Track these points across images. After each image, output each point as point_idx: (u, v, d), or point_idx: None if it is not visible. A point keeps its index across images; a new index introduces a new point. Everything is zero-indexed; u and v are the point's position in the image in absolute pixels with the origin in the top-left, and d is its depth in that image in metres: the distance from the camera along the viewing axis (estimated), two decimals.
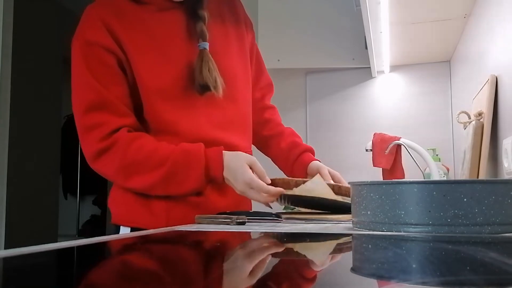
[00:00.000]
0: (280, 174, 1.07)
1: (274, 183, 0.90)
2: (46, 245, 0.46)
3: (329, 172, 0.99)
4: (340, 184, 0.87)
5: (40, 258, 0.41)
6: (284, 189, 0.88)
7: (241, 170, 0.81)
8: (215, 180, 0.84)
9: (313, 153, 1.08)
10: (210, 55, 0.88)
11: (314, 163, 1.02)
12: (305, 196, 0.82)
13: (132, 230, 0.86)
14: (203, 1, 0.91)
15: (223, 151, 0.83)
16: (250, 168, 0.82)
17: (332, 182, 0.88)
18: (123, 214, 0.89)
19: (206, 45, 0.88)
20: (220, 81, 0.87)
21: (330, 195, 0.82)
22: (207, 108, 0.88)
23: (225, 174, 0.82)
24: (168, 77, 0.85)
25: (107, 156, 0.80)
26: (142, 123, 0.87)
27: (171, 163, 0.81)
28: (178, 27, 0.89)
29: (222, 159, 0.82)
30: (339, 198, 0.82)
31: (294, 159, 1.05)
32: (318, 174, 0.91)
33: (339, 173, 1.00)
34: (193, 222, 0.82)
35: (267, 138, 1.10)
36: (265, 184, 0.81)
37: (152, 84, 0.84)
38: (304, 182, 0.85)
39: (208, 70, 0.85)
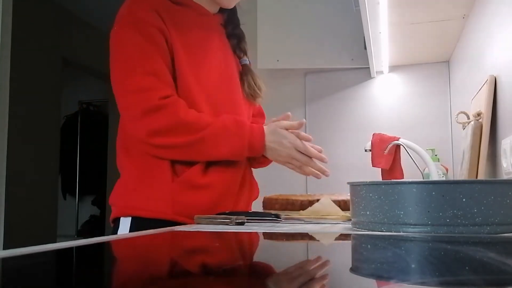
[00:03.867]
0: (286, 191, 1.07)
1: (277, 202, 0.92)
2: (45, 245, 0.46)
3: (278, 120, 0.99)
4: (345, 199, 0.88)
5: (39, 259, 0.41)
6: (289, 209, 0.90)
7: (284, 135, 0.90)
8: (256, 152, 0.90)
9: None
10: (252, 70, 1.05)
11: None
12: (313, 218, 0.82)
13: (133, 220, 0.86)
14: (237, 18, 1.06)
15: (264, 126, 0.91)
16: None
17: (338, 197, 0.89)
18: (126, 204, 0.88)
19: (247, 61, 1.06)
20: (259, 91, 1.03)
21: (338, 212, 0.83)
22: (226, 111, 0.94)
23: (270, 143, 0.90)
24: (202, 73, 0.92)
25: (164, 112, 0.83)
26: None
27: (222, 125, 0.87)
28: (214, 33, 0.98)
29: (263, 133, 0.90)
30: (347, 214, 0.82)
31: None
32: (325, 195, 0.92)
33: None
34: (199, 208, 0.83)
35: None
36: (308, 145, 0.92)
37: (188, 76, 0.90)
38: (309, 202, 0.87)
39: (254, 82, 1.03)
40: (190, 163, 0.88)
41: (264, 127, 0.91)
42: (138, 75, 0.84)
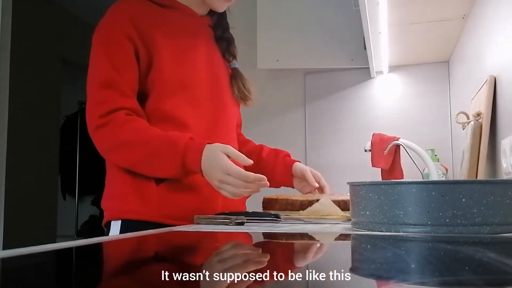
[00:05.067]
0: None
1: (277, 202, 0.92)
2: (45, 245, 0.46)
3: (311, 172, 1.04)
4: (345, 199, 0.87)
5: (39, 259, 0.41)
6: (289, 210, 0.89)
7: (216, 157, 0.79)
8: (192, 172, 0.83)
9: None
10: (241, 73, 1.04)
11: (298, 165, 1.07)
12: (313, 218, 0.82)
13: (123, 223, 0.86)
14: (226, 21, 1.05)
15: (207, 144, 0.82)
16: (227, 156, 0.80)
17: (338, 197, 0.89)
18: (116, 206, 0.89)
19: (236, 64, 1.05)
20: (249, 94, 1.02)
21: (337, 212, 0.83)
22: (212, 113, 0.95)
23: (204, 166, 0.80)
24: (187, 74, 0.92)
25: (102, 132, 0.85)
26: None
27: (154, 145, 0.84)
28: (201, 35, 0.98)
29: (201, 152, 0.80)
30: (347, 214, 0.81)
31: (276, 163, 1.09)
32: (325, 195, 0.92)
33: (319, 173, 1.05)
34: (186, 210, 0.83)
35: (249, 153, 1.10)
36: (243, 170, 0.78)
37: (173, 77, 0.90)
38: (309, 202, 0.87)
39: (244, 86, 1.01)
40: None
41: (207, 145, 0.81)
42: (93, 86, 0.88)
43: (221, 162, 0.79)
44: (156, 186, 0.86)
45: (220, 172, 0.78)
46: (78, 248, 0.48)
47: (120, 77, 0.86)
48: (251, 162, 0.81)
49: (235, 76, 1.04)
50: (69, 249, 0.47)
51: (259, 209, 0.96)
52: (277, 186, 1.09)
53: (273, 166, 1.08)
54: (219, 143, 0.83)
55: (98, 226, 4.44)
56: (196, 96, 0.92)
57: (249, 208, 1.04)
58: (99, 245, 0.51)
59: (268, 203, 0.95)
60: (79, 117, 4.61)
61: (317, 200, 0.86)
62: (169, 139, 0.83)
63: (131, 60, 0.88)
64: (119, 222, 0.87)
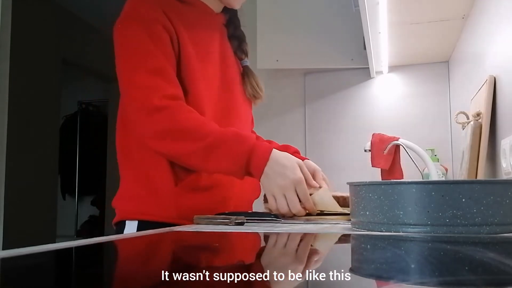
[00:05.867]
0: None
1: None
2: (44, 245, 0.46)
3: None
4: (345, 195, 0.86)
5: (39, 259, 0.41)
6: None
7: (293, 168, 0.80)
8: (251, 174, 0.81)
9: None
10: (252, 71, 1.05)
11: (309, 162, 1.02)
12: (313, 218, 0.81)
13: (140, 223, 0.86)
14: (238, 19, 1.05)
15: (274, 149, 0.82)
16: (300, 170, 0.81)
17: (337, 193, 0.88)
18: (132, 208, 0.88)
19: (248, 62, 1.05)
20: (261, 92, 1.03)
21: (335, 208, 0.82)
22: (222, 112, 0.94)
23: (270, 170, 0.79)
24: (205, 71, 0.91)
25: (160, 116, 0.81)
26: None
27: (217, 138, 0.80)
28: (217, 33, 0.98)
29: (267, 157, 0.80)
30: (345, 210, 0.81)
31: None
32: (324, 187, 0.89)
33: (327, 177, 1.01)
34: (203, 210, 0.83)
35: None
36: (307, 190, 0.79)
37: (197, 73, 0.89)
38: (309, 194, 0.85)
39: (256, 83, 1.02)
40: (192, 172, 0.87)
41: (273, 149, 0.81)
42: (142, 72, 0.83)
43: (296, 173, 0.79)
44: (174, 187, 0.85)
45: (290, 183, 0.78)
46: (78, 248, 0.48)
47: (169, 65, 0.85)
48: (316, 185, 0.83)
49: (247, 73, 1.03)
50: (69, 249, 0.47)
51: (261, 206, 0.96)
52: None
53: None
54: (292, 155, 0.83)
55: (97, 226, 4.46)
56: (213, 93, 0.92)
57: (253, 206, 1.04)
58: (98, 246, 0.51)
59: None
60: (79, 117, 4.61)
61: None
62: (238, 135, 0.81)
63: (171, 50, 0.86)
64: (136, 222, 0.86)
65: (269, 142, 1.12)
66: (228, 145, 0.80)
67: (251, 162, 0.80)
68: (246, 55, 1.06)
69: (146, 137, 0.84)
